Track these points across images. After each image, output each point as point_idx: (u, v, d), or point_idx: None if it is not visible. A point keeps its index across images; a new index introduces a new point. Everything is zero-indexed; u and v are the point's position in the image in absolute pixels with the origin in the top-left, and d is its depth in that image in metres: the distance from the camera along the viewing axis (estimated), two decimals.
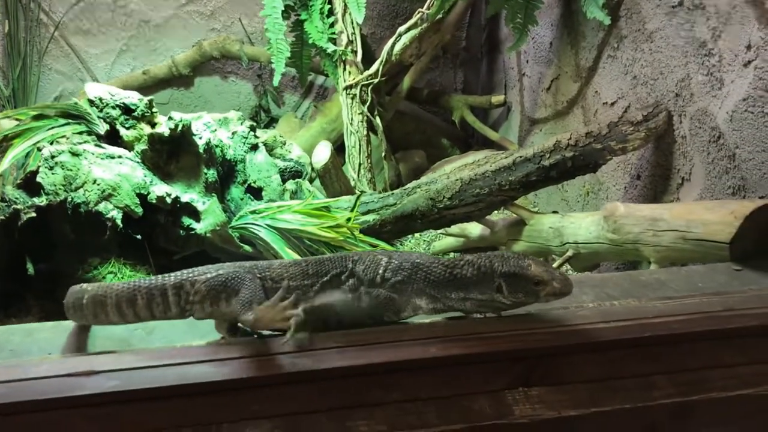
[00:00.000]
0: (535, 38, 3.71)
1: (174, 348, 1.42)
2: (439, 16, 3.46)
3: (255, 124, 2.99)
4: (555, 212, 2.69)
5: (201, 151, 2.58)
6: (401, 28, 3.44)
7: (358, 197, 2.87)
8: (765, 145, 2.02)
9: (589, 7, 2.86)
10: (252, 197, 2.84)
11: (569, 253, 2.55)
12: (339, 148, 3.63)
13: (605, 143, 2.55)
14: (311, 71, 4.07)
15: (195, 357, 1.37)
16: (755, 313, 1.53)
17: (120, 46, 4.32)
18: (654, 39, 2.58)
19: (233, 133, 2.85)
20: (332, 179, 3.14)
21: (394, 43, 3.45)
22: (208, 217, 2.50)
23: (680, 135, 2.47)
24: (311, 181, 3.32)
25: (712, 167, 2.28)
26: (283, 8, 3.41)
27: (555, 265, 2.58)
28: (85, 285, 1.49)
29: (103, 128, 2.76)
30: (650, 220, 2.16)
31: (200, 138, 2.61)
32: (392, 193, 3.01)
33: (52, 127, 2.75)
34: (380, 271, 1.48)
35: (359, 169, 3.42)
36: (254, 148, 2.90)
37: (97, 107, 2.75)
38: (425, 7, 3.36)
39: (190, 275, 1.46)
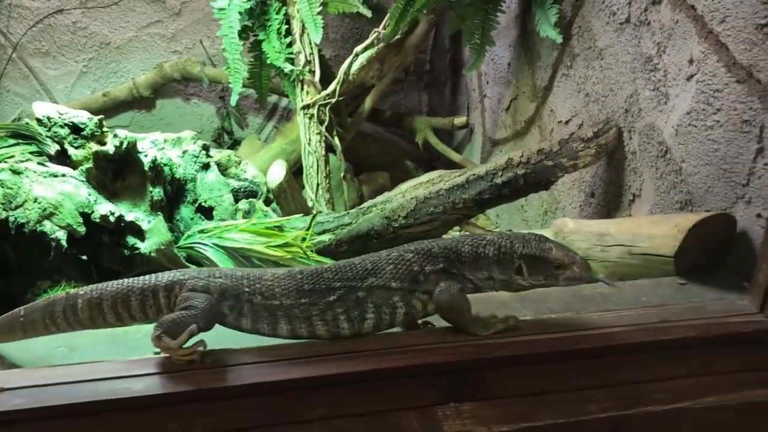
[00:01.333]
0: (494, 59, 3.72)
1: (86, 364, 1.36)
2: (398, 36, 3.46)
3: (207, 143, 2.94)
4: (509, 231, 2.66)
5: (147, 169, 2.53)
6: (358, 48, 3.44)
7: (313, 216, 2.83)
8: (708, 158, 2.01)
9: (542, 26, 2.87)
10: (203, 217, 2.80)
11: None
12: (300, 170, 3.60)
13: (556, 160, 2.54)
14: (273, 93, 4.06)
15: (108, 373, 1.31)
16: (693, 324, 1.50)
17: (80, 67, 4.28)
18: (604, 56, 2.59)
19: (184, 152, 2.80)
20: (288, 199, 3.10)
21: (351, 63, 3.44)
22: (153, 236, 2.44)
23: (630, 151, 2.46)
24: (269, 202, 3.28)
25: (660, 182, 2.27)
26: (241, 28, 3.39)
27: None
28: (72, 291, 1.46)
29: (53, 148, 2.70)
30: (598, 236, 2.14)
31: (146, 156, 2.56)
32: (348, 213, 2.98)
33: (1, 148, 2.70)
34: (416, 268, 1.43)
35: (317, 190, 3.39)
36: (206, 167, 2.86)
37: (45, 126, 2.70)
38: (381, 27, 3.36)
39: (181, 277, 1.43)
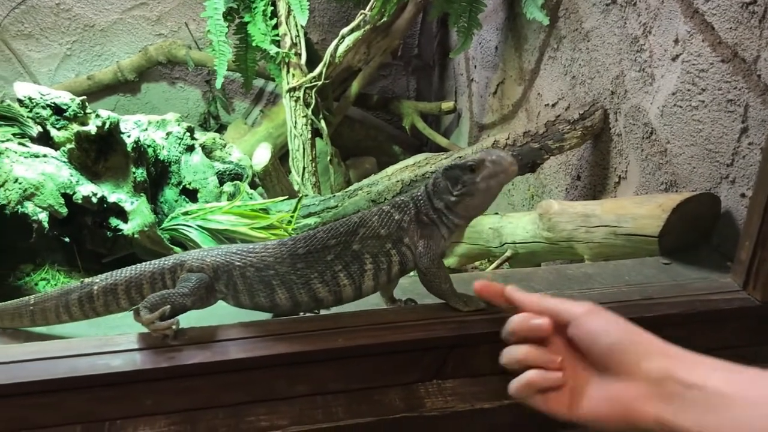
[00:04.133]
0: (482, 43, 3.70)
1: (65, 340, 1.34)
2: (385, 19, 3.43)
3: (192, 125, 2.92)
4: (495, 213, 2.65)
5: (130, 149, 2.51)
6: (344, 30, 3.41)
7: (299, 199, 2.82)
8: (693, 139, 2.01)
9: (529, 8, 2.85)
10: (187, 199, 2.77)
11: (507, 254, 2.51)
12: (286, 155, 3.58)
13: (542, 142, 2.53)
14: (259, 77, 4.02)
15: (87, 349, 1.29)
16: (675, 302, 1.50)
17: (64, 50, 4.22)
18: (590, 38, 2.58)
19: (168, 134, 2.78)
20: (273, 182, 3.08)
21: (337, 45, 3.41)
22: (136, 217, 2.42)
23: (616, 133, 2.45)
24: (254, 185, 3.26)
25: (646, 164, 2.26)
26: (226, 10, 3.35)
27: (492, 266, 2.54)
28: (87, 279, 1.45)
29: (35, 129, 2.67)
30: (582, 217, 2.14)
31: (129, 137, 2.53)
32: (333, 196, 2.96)
33: None
34: (396, 216, 1.40)
35: (303, 173, 3.37)
36: (190, 149, 2.83)
37: (26, 107, 2.66)
38: (368, 8, 3.34)
39: (183, 258, 1.43)
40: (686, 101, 2.03)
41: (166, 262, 1.43)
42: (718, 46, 1.90)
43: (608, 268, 1.88)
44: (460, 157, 1.39)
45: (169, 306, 1.32)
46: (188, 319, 1.39)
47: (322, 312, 1.52)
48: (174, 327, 1.31)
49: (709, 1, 1.91)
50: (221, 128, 4.50)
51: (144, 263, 1.45)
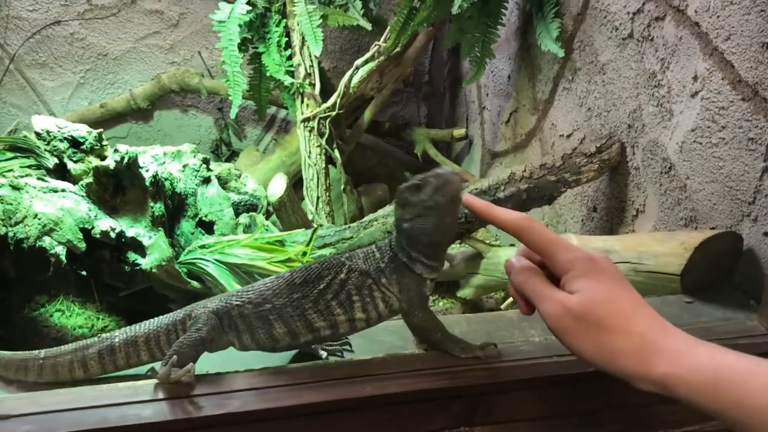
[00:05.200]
0: (494, 71, 3.72)
1: (95, 388, 1.34)
2: (398, 49, 3.45)
3: (208, 157, 2.93)
4: (512, 245, 2.65)
5: (148, 184, 2.51)
6: (358, 61, 3.44)
7: (314, 231, 2.82)
8: (713, 175, 2.01)
9: (544, 39, 2.87)
10: (203, 231, 2.77)
11: None
12: (299, 182, 3.59)
13: (559, 175, 2.53)
14: (272, 104, 4.04)
15: (117, 398, 1.29)
16: None
17: (77, 79, 4.25)
18: (606, 71, 2.59)
19: (184, 166, 2.78)
20: (288, 213, 3.09)
21: (351, 76, 3.43)
22: (154, 252, 2.42)
23: (633, 166, 2.46)
24: (268, 215, 3.26)
25: (664, 198, 2.26)
26: (240, 41, 3.38)
27: (508, 302, 2.54)
28: (103, 334, 1.45)
29: (51, 162, 2.68)
30: (602, 252, 2.13)
31: (147, 171, 2.54)
32: (349, 226, 2.96)
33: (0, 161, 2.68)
34: (378, 256, 1.40)
35: (317, 203, 3.37)
36: (206, 181, 2.83)
37: (44, 140, 2.68)
38: (382, 40, 3.36)
39: (191, 309, 1.43)
40: (706, 138, 2.03)
41: (178, 314, 1.44)
42: (738, 85, 1.90)
43: None
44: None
45: (175, 354, 1.33)
46: (211, 364, 1.39)
47: (348, 356, 1.52)
48: (191, 372, 1.31)
49: (728, 39, 1.92)
50: (233, 155, 4.52)
51: (160, 317, 1.45)
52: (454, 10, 2.97)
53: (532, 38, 3.09)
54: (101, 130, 2.73)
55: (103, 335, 1.45)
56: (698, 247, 1.87)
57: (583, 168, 2.51)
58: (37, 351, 1.46)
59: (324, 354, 1.57)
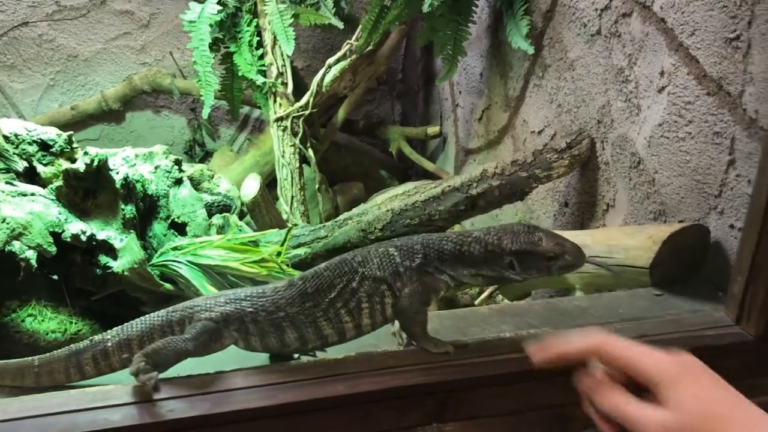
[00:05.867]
0: (466, 69, 3.73)
1: (63, 394, 1.33)
2: (370, 47, 3.45)
3: (180, 158, 2.90)
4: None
5: (119, 186, 2.49)
6: (330, 60, 3.43)
7: (288, 230, 2.81)
8: (681, 169, 2.04)
9: (514, 37, 2.88)
10: (176, 233, 2.75)
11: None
12: (273, 182, 3.58)
13: (531, 171, 2.55)
14: (245, 104, 4.02)
15: (86, 404, 1.28)
16: (669, 339, 1.51)
17: (47, 81, 4.20)
18: (575, 67, 2.61)
19: (156, 168, 2.76)
20: (262, 213, 3.08)
21: (324, 75, 3.43)
22: (126, 254, 2.40)
23: (603, 161, 2.48)
24: (242, 216, 3.25)
25: (634, 192, 2.29)
26: (212, 41, 3.36)
27: (483, 296, 2.55)
28: (95, 337, 1.44)
29: (20, 165, 2.65)
30: None
31: (118, 173, 2.52)
32: (324, 226, 2.96)
33: None
34: (398, 261, 1.42)
35: (292, 202, 3.37)
36: (178, 182, 2.81)
37: (12, 143, 2.64)
38: (353, 38, 3.36)
39: (190, 310, 1.43)
40: (673, 132, 2.06)
41: (174, 314, 1.44)
42: (704, 80, 1.93)
43: (601, 300, 1.90)
44: (528, 234, 1.40)
45: (156, 352, 1.33)
46: (186, 365, 1.39)
47: (321, 355, 1.53)
48: (152, 381, 1.30)
49: (693, 35, 1.95)
50: (207, 155, 4.50)
51: (152, 314, 1.45)
52: (425, 8, 2.98)
53: (502, 35, 3.10)
54: (71, 132, 2.70)
55: (95, 338, 1.44)
56: (666, 240, 1.90)
57: (553, 164, 2.53)
58: (30, 358, 1.45)
59: (297, 354, 1.57)
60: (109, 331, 1.45)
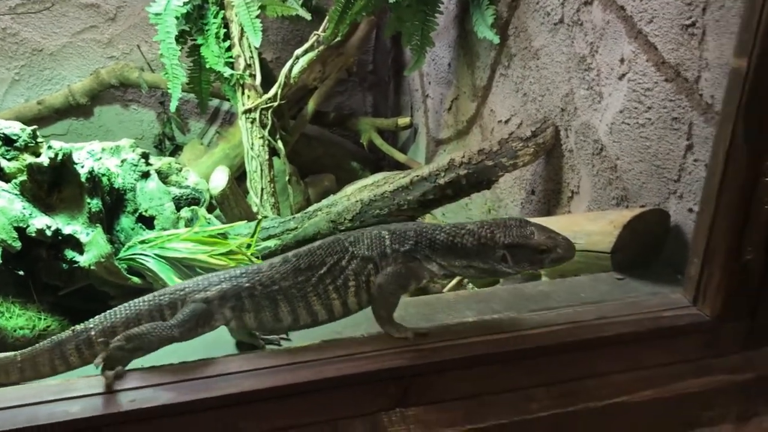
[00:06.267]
0: (435, 59, 3.75)
1: (24, 387, 1.32)
2: (338, 39, 3.45)
3: (147, 152, 2.89)
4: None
5: (83, 180, 2.47)
6: (298, 51, 3.42)
7: (258, 222, 2.80)
8: (641, 155, 2.07)
9: (479, 26, 2.90)
10: (144, 227, 2.74)
11: None
12: (244, 174, 3.56)
13: (497, 160, 2.57)
14: (215, 97, 4.00)
15: (46, 396, 1.28)
16: (628, 320, 1.54)
17: (12, 75, 4.14)
18: (540, 56, 2.63)
19: (122, 161, 2.74)
20: (231, 205, 3.07)
21: (292, 66, 3.42)
22: (92, 249, 2.38)
23: (567, 149, 2.51)
24: (212, 209, 3.24)
25: (597, 179, 2.32)
26: (179, 33, 3.33)
27: (451, 284, 2.57)
28: (77, 326, 1.42)
29: None
30: None
31: (83, 167, 2.50)
32: (293, 217, 2.96)
33: None
34: (387, 243, 1.46)
35: (262, 194, 3.36)
36: (146, 175, 2.80)
37: None
38: (321, 29, 3.35)
39: (181, 293, 1.44)
40: (633, 119, 2.09)
41: (163, 298, 1.44)
42: (662, 66, 1.96)
43: (564, 285, 1.93)
44: (520, 227, 1.43)
45: (139, 337, 1.34)
46: (145, 358, 1.39)
47: (286, 344, 1.54)
48: (110, 379, 1.30)
49: (651, 22, 1.98)
50: (177, 149, 4.46)
51: (138, 299, 1.45)
52: None
53: (469, 25, 3.12)
54: (35, 127, 2.66)
55: (77, 327, 1.42)
56: (626, 225, 1.93)
57: (519, 152, 2.55)
58: (12, 354, 1.43)
59: (262, 343, 1.58)
60: (91, 319, 1.43)
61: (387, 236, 1.47)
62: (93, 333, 1.41)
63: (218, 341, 1.55)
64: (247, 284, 1.44)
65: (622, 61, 2.12)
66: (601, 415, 1.49)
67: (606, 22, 2.20)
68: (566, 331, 1.50)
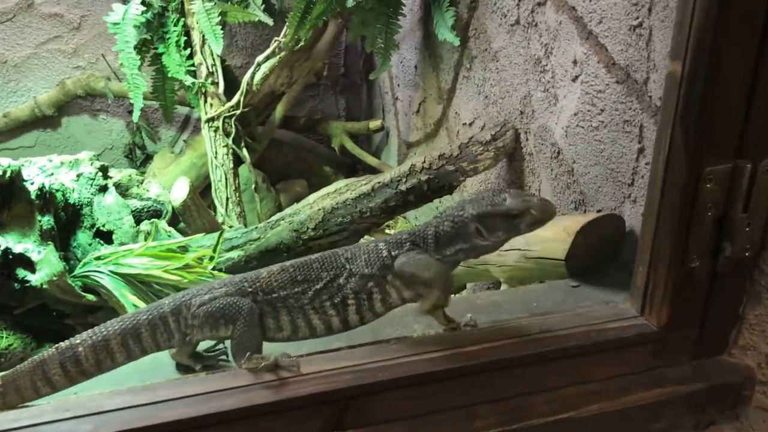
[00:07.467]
0: (402, 62, 3.70)
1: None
2: (302, 43, 3.40)
3: (106, 164, 2.84)
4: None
5: (34, 197, 2.42)
6: (259, 57, 3.38)
7: (220, 234, 2.76)
8: (596, 158, 2.03)
9: (440, 28, 2.86)
10: (102, 242, 2.69)
11: None
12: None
13: (457, 165, 2.53)
14: (183, 105, 3.95)
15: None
16: (572, 333, 1.50)
17: None
18: (499, 58, 2.59)
19: (78, 176, 2.70)
20: (194, 216, 3.02)
21: (254, 73, 3.37)
22: (44, 267, 2.34)
23: (527, 152, 2.47)
24: (177, 220, 3.19)
25: (556, 183, 2.28)
26: (141, 42, 3.29)
27: None
28: (62, 343, 1.35)
29: None
30: None
31: (32, 183, 2.45)
32: (256, 227, 2.92)
33: None
34: (384, 254, 1.43)
35: (227, 204, 3.31)
36: (103, 189, 2.75)
37: None
38: (281, 35, 3.30)
39: (185, 298, 1.41)
40: (587, 121, 2.04)
41: (163, 307, 1.40)
42: (613, 68, 1.92)
43: (517, 294, 1.89)
44: (492, 197, 1.38)
45: (245, 349, 1.37)
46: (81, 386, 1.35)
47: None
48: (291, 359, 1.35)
49: (601, 23, 1.93)
50: (148, 158, 4.41)
51: (136, 311, 1.42)
52: (349, 2, 2.93)
53: (433, 27, 3.07)
54: None
55: (61, 345, 1.34)
56: (580, 231, 1.88)
57: (479, 156, 2.51)
58: None
59: (199, 366, 1.54)
60: (78, 335, 1.36)
61: (383, 246, 1.44)
62: (81, 349, 1.34)
63: (157, 362, 1.52)
64: (249, 289, 1.42)
65: (575, 62, 2.08)
66: (548, 430, 1.44)
67: (559, 23, 2.16)
68: (510, 347, 1.46)
